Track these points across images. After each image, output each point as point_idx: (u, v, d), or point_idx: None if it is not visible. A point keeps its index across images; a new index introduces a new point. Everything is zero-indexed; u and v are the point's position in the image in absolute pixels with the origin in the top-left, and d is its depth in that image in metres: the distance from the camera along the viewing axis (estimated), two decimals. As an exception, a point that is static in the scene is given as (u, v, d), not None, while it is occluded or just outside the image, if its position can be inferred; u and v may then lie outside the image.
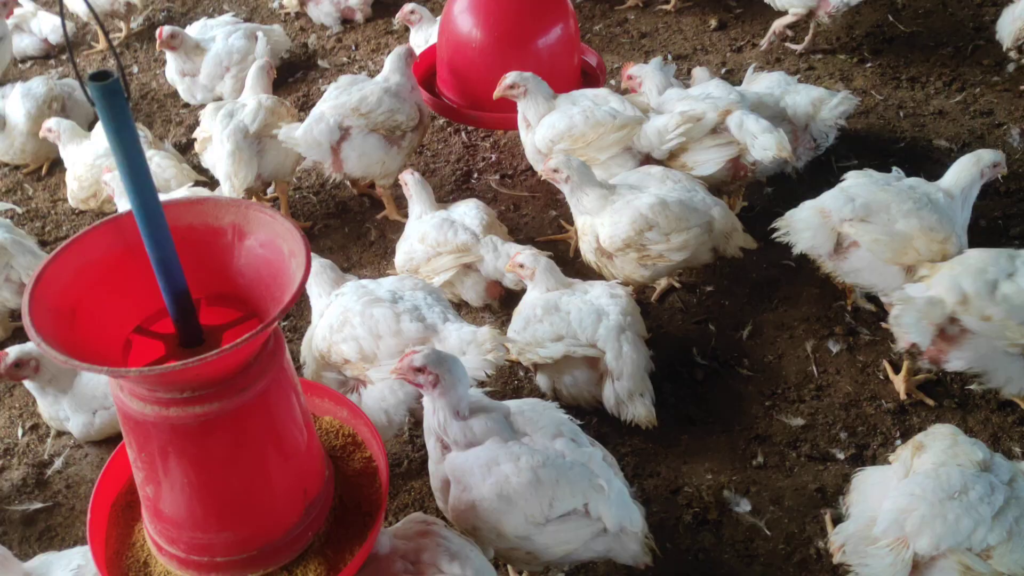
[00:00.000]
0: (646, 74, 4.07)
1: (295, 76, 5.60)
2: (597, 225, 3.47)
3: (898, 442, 3.15)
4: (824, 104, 3.96)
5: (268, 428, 2.02)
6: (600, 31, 5.78)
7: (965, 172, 3.36)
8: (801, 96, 3.98)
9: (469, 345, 2.89)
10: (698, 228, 3.42)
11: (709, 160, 3.73)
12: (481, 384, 2.94)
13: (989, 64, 5.20)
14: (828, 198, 3.36)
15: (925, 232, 3.18)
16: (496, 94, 3.95)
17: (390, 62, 4.18)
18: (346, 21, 6.01)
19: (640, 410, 3.13)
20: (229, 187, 4.10)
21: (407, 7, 5.13)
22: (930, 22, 5.66)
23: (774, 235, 3.50)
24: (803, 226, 3.37)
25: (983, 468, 2.50)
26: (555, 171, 3.51)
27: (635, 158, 3.90)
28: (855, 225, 3.26)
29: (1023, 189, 4.25)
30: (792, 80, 4.16)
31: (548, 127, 3.87)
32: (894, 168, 3.53)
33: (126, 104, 1.65)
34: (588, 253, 3.55)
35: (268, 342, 2.00)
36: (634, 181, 3.58)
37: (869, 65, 5.28)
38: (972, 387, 3.33)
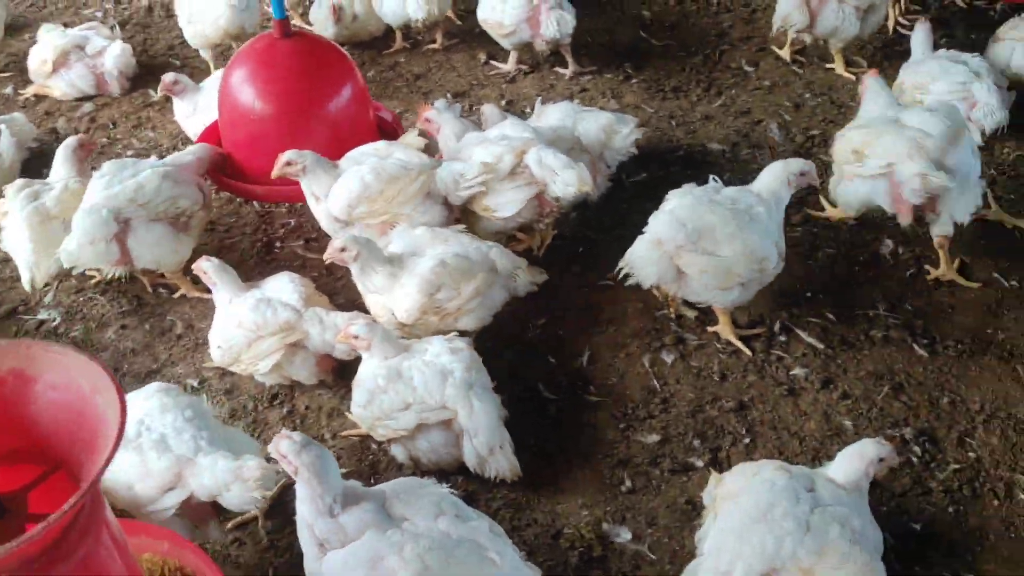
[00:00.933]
0: (444, 120, 4.04)
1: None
2: (390, 303, 3.41)
3: (746, 440, 3.31)
4: (616, 133, 4.11)
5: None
6: (374, 77, 5.69)
7: (775, 179, 3.56)
8: (591, 124, 4.11)
9: (232, 484, 2.67)
10: (483, 272, 3.46)
11: (511, 201, 3.74)
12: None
13: (736, 67, 5.65)
14: (660, 226, 3.44)
15: (748, 256, 3.36)
16: (274, 174, 3.79)
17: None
18: (99, 95, 5.52)
19: (503, 463, 3.07)
20: (29, 278, 3.76)
21: (168, 77, 4.78)
22: (678, 34, 6.07)
23: (621, 278, 3.54)
24: (644, 263, 3.44)
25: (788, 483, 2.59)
26: (342, 250, 3.39)
27: (437, 202, 3.85)
28: (684, 255, 3.37)
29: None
30: (580, 108, 4.28)
31: (343, 193, 3.74)
32: (711, 178, 3.70)
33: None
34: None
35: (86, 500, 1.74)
36: (407, 247, 3.54)
37: (635, 81, 5.57)
38: (796, 372, 3.56)
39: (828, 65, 5.53)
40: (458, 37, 6.04)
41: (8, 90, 5.74)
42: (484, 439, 3.05)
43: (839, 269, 4.08)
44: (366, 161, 3.80)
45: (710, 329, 3.72)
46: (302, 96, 4.18)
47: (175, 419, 2.77)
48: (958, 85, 4.76)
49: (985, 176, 4.31)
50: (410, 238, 3.61)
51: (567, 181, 3.67)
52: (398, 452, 3.18)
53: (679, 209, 3.47)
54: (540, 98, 4.75)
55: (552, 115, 4.24)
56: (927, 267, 4.01)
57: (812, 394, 3.50)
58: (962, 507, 3.06)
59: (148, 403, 2.86)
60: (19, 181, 3.98)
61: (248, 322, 3.39)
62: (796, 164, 3.63)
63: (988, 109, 4.65)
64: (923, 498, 3.11)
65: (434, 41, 5.97)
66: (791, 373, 3.58)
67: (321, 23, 5.84)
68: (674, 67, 5.70)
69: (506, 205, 3.76)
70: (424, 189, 3.75)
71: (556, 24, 5.13)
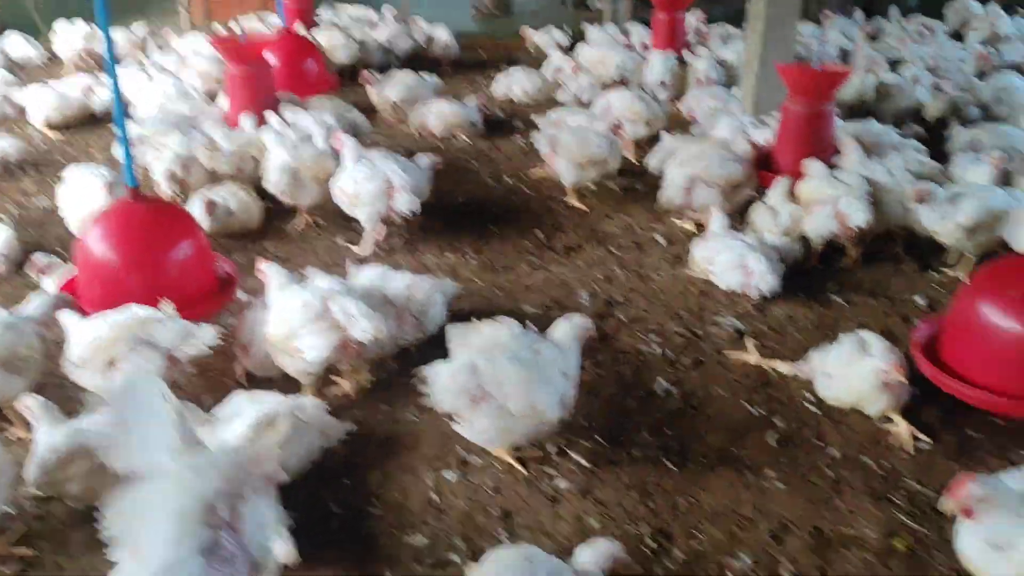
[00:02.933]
0: (272, 273, 4.62)
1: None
2: None
3: (504, 538, 3.72)
4: (417, 289, 4.79)
5: None
6: (241, 258, 6.39)
7: (564, 332, 4.10)
8: (397, 283, 4.79)
9: None
10: (293, 420, 3.92)
11: (317, 345, 4.31)
12: None
13: (563, 247, 6.52)
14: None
15: (531, 410, 3.85)
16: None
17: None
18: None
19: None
20: None
21: (39, 260, 5.42)
22: (516, 221, 7.00)
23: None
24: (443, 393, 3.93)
25: None
26: None
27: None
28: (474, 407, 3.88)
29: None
30: (389, 271, 4.97)
31: None
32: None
33: None
34: None
35: None
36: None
37: (474, 261, 6.36)
38: (561, 484, 4.03)
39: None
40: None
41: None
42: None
43: (615, 403, 4.65)
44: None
45: (493, 451, 4.21)
46: (150, 250, 4.91)
47: None
48: (737, 257, 5.64)
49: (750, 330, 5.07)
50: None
51: (364, 327, 4.27)
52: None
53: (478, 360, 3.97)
54: (349, 262, 5.43)
55: (364, 276, 4.91)
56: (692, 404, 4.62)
57: (572, 503, 3.95)
58: (682, 589, 3.47)
59: None
60: None
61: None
62: (578, 319, 4.15)
63: (760, 275, 5.51)
64: (650, 583, 3.52)
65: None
66: (556, 485, 4.04)
67: (197, 217, 6.61)
68: (510, 251, 6.53)
69: (313, 348, 4.32)
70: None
71: (408, 201, 6.02)
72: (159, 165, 6.93)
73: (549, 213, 7.21)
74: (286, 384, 4.56)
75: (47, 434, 3.79)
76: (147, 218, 5.02)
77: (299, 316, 4.35)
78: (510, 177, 8.04)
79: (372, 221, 6.26)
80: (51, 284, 5.41)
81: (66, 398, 4.37)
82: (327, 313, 4.34)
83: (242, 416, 3.96)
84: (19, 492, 3.85)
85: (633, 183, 7.71)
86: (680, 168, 6.66)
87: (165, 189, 6.93)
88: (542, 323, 4.38)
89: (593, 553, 3.19)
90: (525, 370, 3.90)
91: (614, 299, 5.77)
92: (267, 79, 8.25)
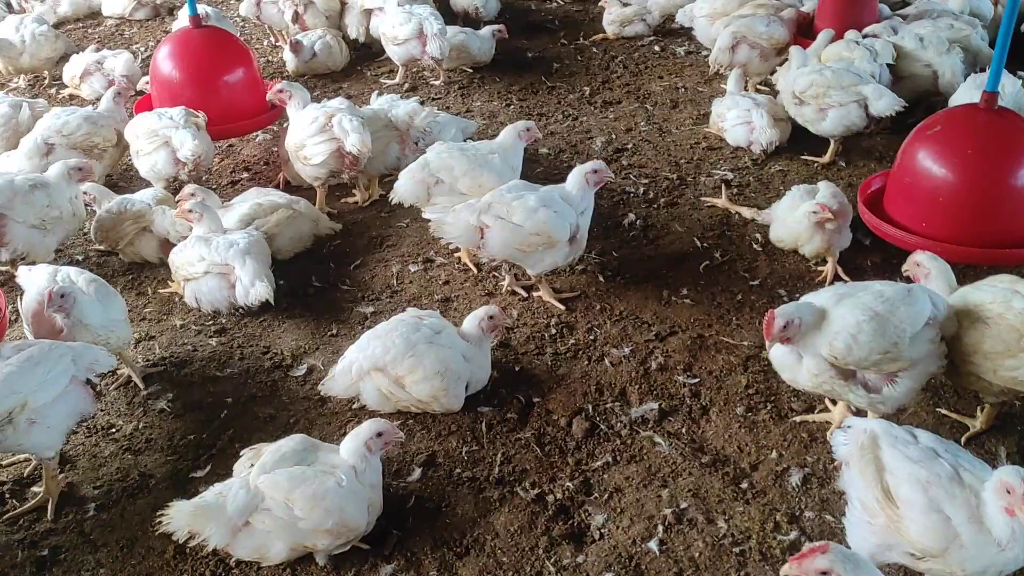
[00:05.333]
0: (295, 90, 5.42)
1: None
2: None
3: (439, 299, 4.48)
4: (416, 115, 5.47)
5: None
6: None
7: (575, 178, 4.45)
8: (401, 109, 5.48)
9: None
10: (289, 211, 4.86)
11: (319, 152, 5.13)
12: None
13: (603, 101, 6.96)
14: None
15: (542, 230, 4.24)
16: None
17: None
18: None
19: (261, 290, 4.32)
20: None
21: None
22: (570, 76, 7.46)
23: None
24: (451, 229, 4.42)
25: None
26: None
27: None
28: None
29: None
30: (396, 98, 5.67)
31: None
32: None
33: None
34: None
35: None
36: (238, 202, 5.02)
37: (514, 108, 6.94)
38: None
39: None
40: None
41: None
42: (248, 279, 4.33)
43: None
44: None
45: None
46: (211, 68, 5.93)
47: None
48: (744, 112, 5.92)
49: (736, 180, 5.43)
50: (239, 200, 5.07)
51: (353, 142, 5.05)
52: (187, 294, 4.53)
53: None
54: (376, 92, 6.14)
55: (377, 102, 5.65)
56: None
57: (505, 298, 4.63)
58: (564, 365, 4.12)
59: None
60: None
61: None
62: (589, 165, 4.50)
63: (760, 129, 5.79)
64: (539, 359, 4.18)
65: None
66: (500, 285, 4.73)
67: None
68: (552, 100, 7.05)
69: (317, 154, 5.15)
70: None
71: (438, 47, 6.72)
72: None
73: (605, 71, 7.59)
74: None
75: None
76: (208, 41, 5.99)
77: (308, 129, 5.17)
78: (584, 39, 8.41)
79: (401, 60, 7.11)
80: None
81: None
82: (328, 127, 5.14)
83: (247, 201, 4.91)
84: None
85: (700, 47, 7.89)
86: (726, 28, 6.84)
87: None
88: (551, 164, 4.97)
89: (474, 317, 3.89)
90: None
91: (625, 147, 6.20)
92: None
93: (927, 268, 3.75)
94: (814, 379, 3.36)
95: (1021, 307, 3.26)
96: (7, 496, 3.52)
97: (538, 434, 3.71)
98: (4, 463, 3.67)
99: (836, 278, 4.59)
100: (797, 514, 3.26)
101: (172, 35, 6.30)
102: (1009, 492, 2.57)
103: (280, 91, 5.39)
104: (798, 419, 3.72)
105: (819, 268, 4.71)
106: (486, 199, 4.33)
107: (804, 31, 6.98)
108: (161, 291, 4.80)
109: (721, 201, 5.38)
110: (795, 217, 4.65)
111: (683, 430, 3.70)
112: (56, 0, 9.42)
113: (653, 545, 3.16)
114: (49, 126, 5.44)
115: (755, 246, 4.97)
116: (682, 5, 8.02)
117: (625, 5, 8.28)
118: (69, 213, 4.72)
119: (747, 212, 5.22)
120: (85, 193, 4.95)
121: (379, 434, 3.14)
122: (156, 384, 4.10)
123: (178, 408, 3.95)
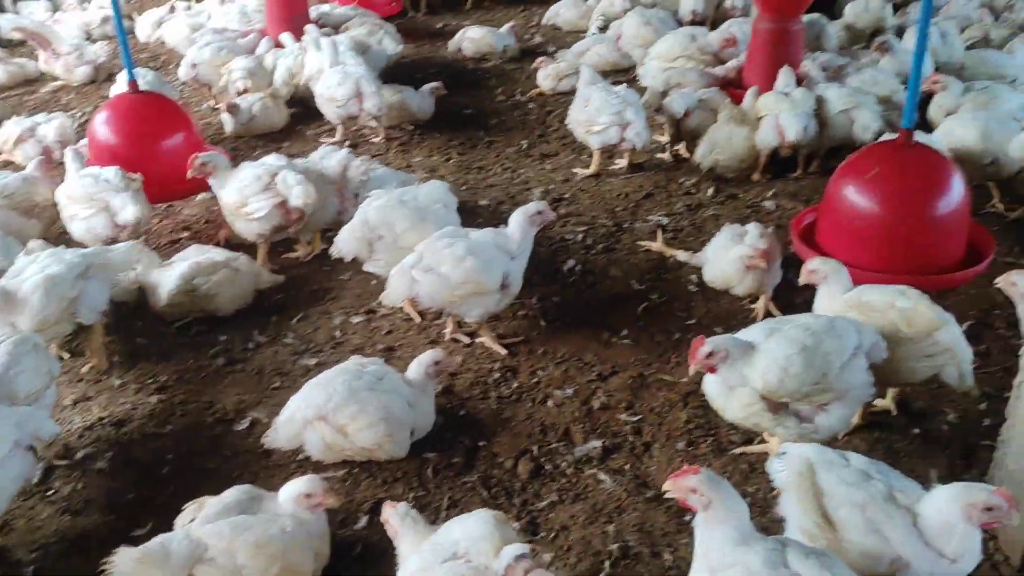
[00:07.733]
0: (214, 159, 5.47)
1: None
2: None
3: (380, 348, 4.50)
4: (349, 164, 5.55)
5: None
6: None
7: (517, 220, 4.50)
8: (332, 160, 5.56)
9: None
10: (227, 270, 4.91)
11: (262, 207, 5.17)
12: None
13: (540, 154, 7.14)
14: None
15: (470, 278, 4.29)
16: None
17: None
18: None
19: None
20: None
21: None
22: (508, 131, 7.66)
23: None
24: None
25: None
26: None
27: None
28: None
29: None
30: (330, 150, 5.75)
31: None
32: None
33: None
34: None
35: None
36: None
37: (454, 162, 7.07)
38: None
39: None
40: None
41: None
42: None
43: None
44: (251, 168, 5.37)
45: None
46: (147, 136, 5.94)
47: None
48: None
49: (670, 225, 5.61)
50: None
51: (298, 194, 5.10)
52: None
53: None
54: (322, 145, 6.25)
55: (311, 156, 5.75)
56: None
57: (448, 345, 4.68)
58: (508, 408, 4.16)
59: None
60: None
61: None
62: (532, 206, 4.58)
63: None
64: (484, 403, 4.22)
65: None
66: (442, 333, 4.78)
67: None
68: (490, 154, 7.21)
69: (259, 209, 5.18)
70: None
71: (375, 105, 6.87)
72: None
73: (542, 126, 7.80)
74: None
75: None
76: (145, 108, 6.04)
77: (252, 187, 5.20)
78: (521, 95, 8.63)
79: (340, 119, 7.24)
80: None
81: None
82: (273, 184, 5.19)
83: (187, 260, 4.91)
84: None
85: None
86: (662, 73, 7.19)
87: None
88: (491, 215, 5.10)
89: (419, 363, 3.93)
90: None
91: (563, 196, 6.36)
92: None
93: (823, 271, 3.95)
94: (745, 409, 3.46)
95: (904, 306, 3.65)
96: (-62, 565, 3.41)
97: (484, 476, 3.73)
98: (-65, 531, 3.56)
99: (767, 314, 4.73)
100: (739, 543, 3.32)
101: (109, 101, 6.30)
102: (991, 510, 2.67)
103: (203, 164, 5.29)
104: (738, 451, 3.81)
105: (753, 306, 4.86)
106: (418, 249, 4.42)
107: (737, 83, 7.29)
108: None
109: (657, 245, 5.53)
110: (727, 259, 4.80)
111: (627, 466, 3.76)
112: (-10, 67, 9.38)
113: (600, 580, 3.19)
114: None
115: (691, 287, 5.11)
116: (613, 60, 8.32)
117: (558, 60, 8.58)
118: None
119: (682, 255, 5.37)
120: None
121: (308, 495, 3.14)
122: (93, 445, 4.03)
123: (117, 466, 3.89)
